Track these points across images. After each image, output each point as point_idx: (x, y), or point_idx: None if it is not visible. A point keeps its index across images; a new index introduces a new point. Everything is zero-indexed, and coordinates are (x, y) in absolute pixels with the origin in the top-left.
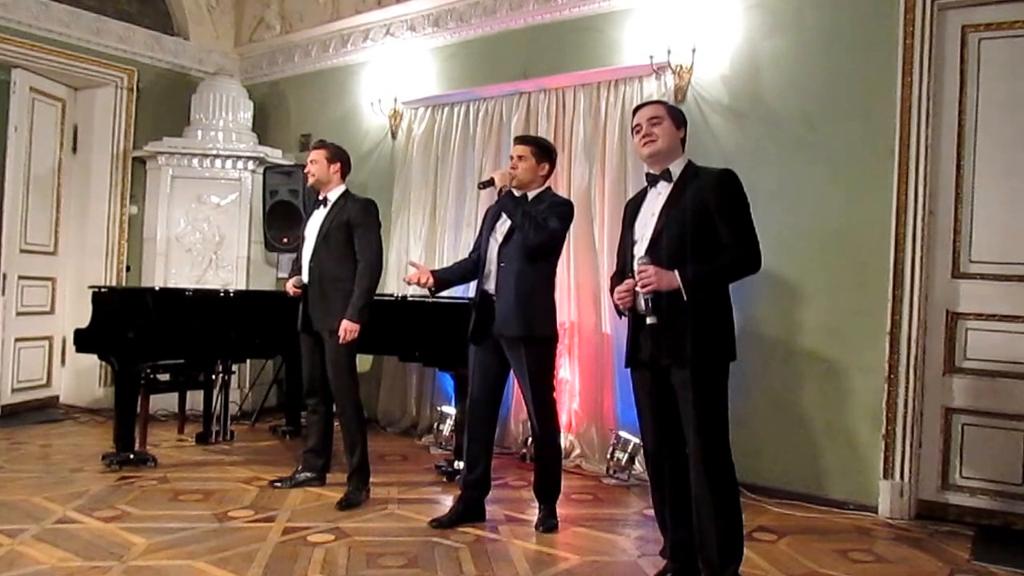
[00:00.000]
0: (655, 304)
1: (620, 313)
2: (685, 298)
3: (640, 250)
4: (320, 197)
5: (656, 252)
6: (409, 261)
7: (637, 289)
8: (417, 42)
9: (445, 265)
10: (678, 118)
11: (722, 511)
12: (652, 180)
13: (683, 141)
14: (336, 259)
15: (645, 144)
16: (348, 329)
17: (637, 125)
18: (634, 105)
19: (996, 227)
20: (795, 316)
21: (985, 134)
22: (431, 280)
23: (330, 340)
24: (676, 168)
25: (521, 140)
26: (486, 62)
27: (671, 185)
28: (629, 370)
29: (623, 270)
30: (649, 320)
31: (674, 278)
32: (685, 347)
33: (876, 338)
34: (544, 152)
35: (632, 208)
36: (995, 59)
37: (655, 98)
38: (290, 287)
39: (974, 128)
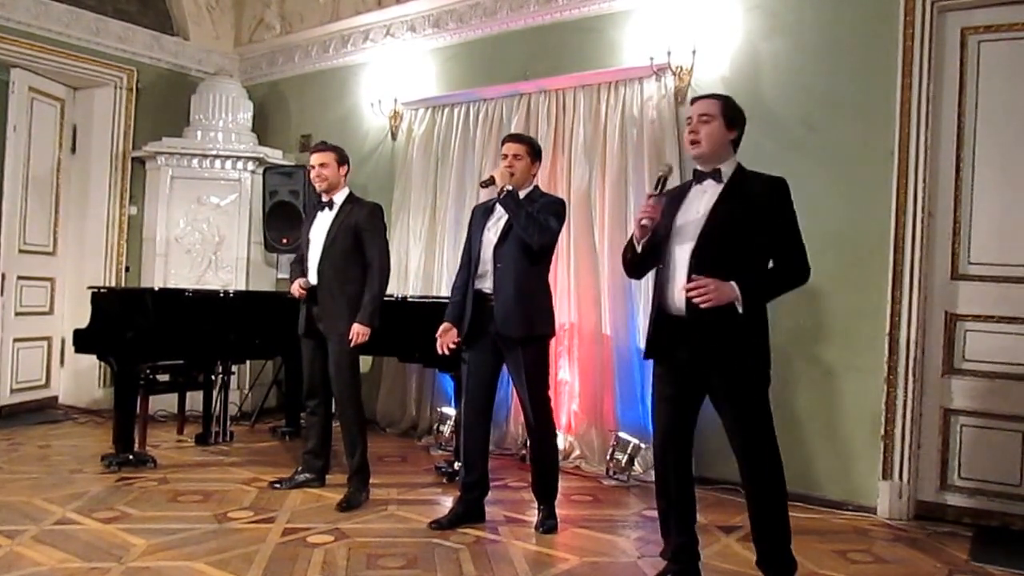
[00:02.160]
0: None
1: (633, 248)
2: (740, 311)
3: (684, 246)
4: (324, 199)
5: (705, 254)
6: (437, 336)
7: (691, 297)
8: (417, 43)
9: (444, 266)
10: (733, 118)
11: (775, 515)
12: (699, 177)
13: (735, 142)
14: (344, 263)
15: (691, 143)
16: (360, 332)
17: (688, 118)
18: (634, 106)
19: (995, 229)
20: (794, 317)
21: (984, 136)
22: (455, 332)
23: (336, 343)
24: (727, 169)
25: (515, 139)
26: (486, 63)
27: (720, 186)
28: (652, 361)
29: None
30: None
31: (733, 290)
32: (736, 354)
33: (875, 339)
34: (537, 152)
35: (673, 198)
36: (994, 61)
37: (711, 92)
38: (296, 289)
39: (973, 130)
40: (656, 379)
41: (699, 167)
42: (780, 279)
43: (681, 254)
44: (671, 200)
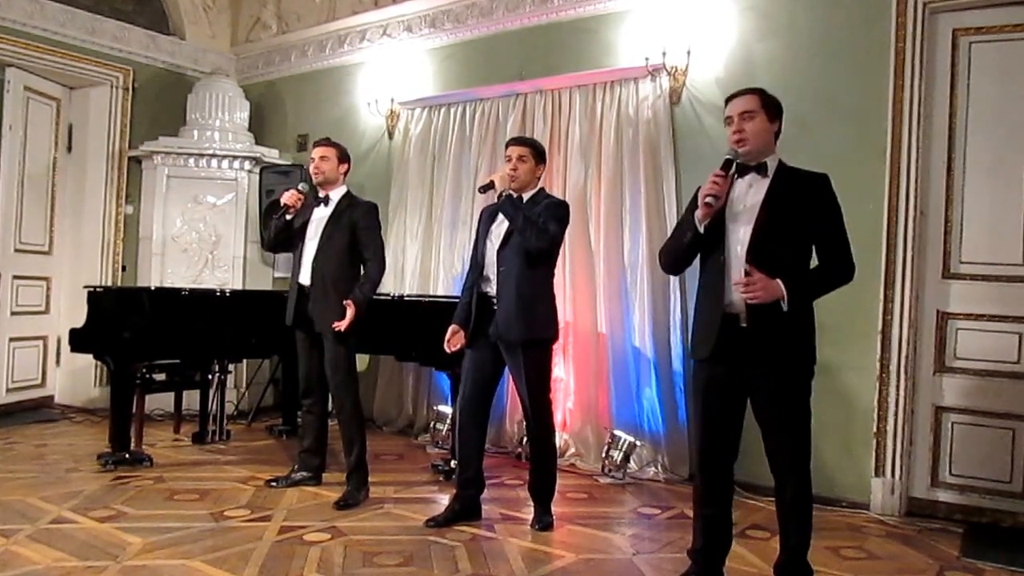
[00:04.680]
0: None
1: (695, 228)
2: (785, 309)
3: (737, 243)
4: (321, 195)
5: (760, 252)
6: (446, 339)
7: (741, 294)
8: (414, 43)
9: (440, 265)
10: (774, 110)
11: (801, 522)
12: (742, 171)
13: (777, 134)
14: (338, 260)
15: (738, 143)
16: (351, 309)
17: (728, 118)
18: (630, 106)
19: (986, 228)
20: None
21: (975, 136)
22: (463, 335)
23: (331, 341)
24: (772, 163)
25: (519, 142)
26: (482, 63)
27: (767, 180)
28: (695, 362)
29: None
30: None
31: (779, 288)
32: (787, 355)
33: (868, 337)
34: (540, 154)
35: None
36: (985, 62)
37: (749, 87)
38: (291, 196)
39: (964, 130)
40: (699, 379)
41: (741, 161)
42: (826, 278)
43: (734, 251)
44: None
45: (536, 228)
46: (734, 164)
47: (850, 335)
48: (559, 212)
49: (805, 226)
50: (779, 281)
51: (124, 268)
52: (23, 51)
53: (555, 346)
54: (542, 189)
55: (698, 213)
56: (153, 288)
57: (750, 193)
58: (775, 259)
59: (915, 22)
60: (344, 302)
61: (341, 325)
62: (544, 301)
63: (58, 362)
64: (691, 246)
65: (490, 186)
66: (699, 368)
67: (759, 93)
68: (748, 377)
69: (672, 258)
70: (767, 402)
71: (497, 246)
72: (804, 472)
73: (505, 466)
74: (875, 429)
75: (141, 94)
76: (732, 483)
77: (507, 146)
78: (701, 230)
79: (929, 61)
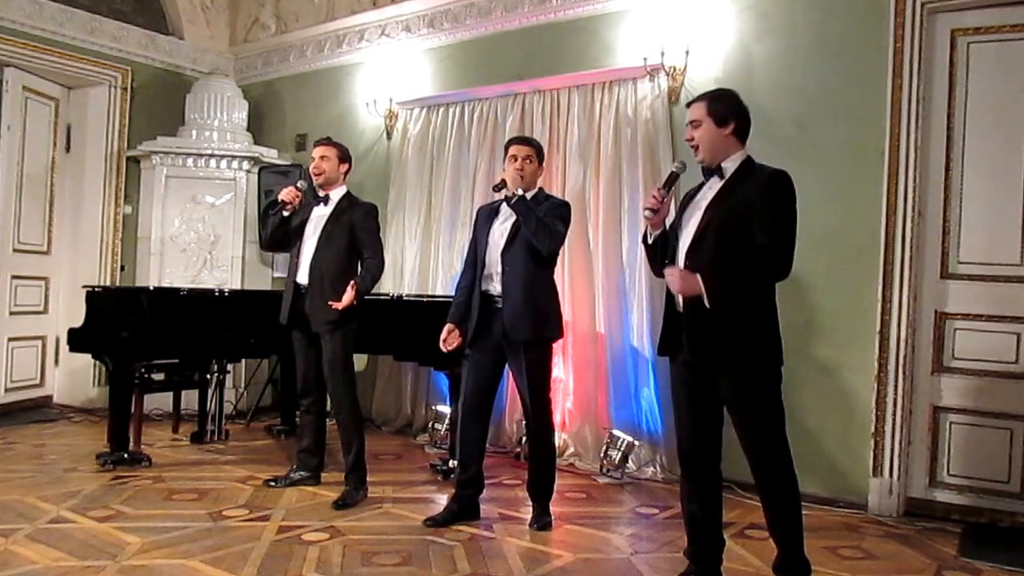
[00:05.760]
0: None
1: (645, 239)
2: (707, 305)
3: (684, 244)
4: (321, 195)
5: (699, 250)
6: (442, 337)
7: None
8: (412, 43)
9: (439, 265)
10: (721, 114)
11: (785, 519)
12: (706, 174)
13: (737, 134)
14: (337, 259)
15: (693, 151)
16: (350, 295)
17: (686, 125)
18: (628, 106)
19: (984, 228)
20: (786, 315)
21: (973, 136)
22: (459, 334)
23: (329, 341)
24: (730, 164)
25: (524, 141)
26: (481, 63)
27: (722, 182)
28: (667, 359)
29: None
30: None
31: (696, 284)
32: (733, 353)
33: (866, 337)
34: (542, 154)
35: (688, 199)
36: (983, 62)
37: (701, 93)
38: (288, 193)
39: (963, 130)
40: (672, 378)
41: (706, 166)
42: (749, 271)
43: (681, 251)
44: (688, 198)
45: (548, 230)
46: (674, 178)
47: (848, 335)
48: (562, 212)
49: (749, 221)
50: (697, 276)
51: (123, 268)
52: (21, 51)
53: (555, 345)
54: (541, 189)
55: (644, 225)
56: (152, 288)
57: (706, 195)
58: (714, 255)
59: (913, 22)
60: (349, 283)
61: (338, 305)
62: (550, 300)
63: (57, 362)
64: (651, 251)
65: (503, 185)
66: (670, 367)
67: (706, 100)
68: (712, 378)
69: (650, 264)
70: (729, 403)
71: (502, 245)
72: (779, 469)
73: (504, 466)
74: (873, 429)
75: (139, 94)
76: (717, 482)
77: (511, 145)
78: (650, 240)
79: (927, 61)
